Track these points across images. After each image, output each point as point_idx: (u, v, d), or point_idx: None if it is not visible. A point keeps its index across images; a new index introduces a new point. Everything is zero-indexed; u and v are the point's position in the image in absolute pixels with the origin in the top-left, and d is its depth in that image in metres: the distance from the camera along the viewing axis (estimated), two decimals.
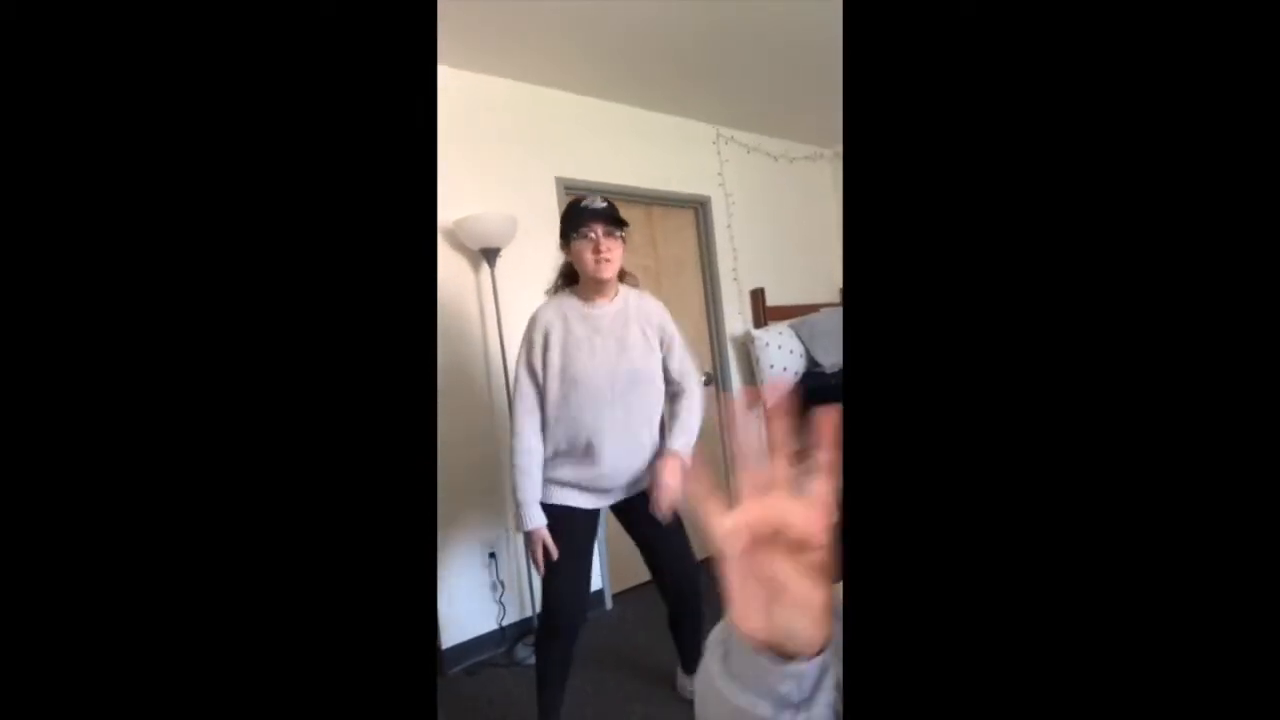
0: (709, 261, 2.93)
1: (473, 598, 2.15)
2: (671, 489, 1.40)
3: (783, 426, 0.33)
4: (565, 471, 1.41)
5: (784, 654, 0.32)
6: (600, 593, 2.43)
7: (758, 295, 3.00)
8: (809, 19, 2.12)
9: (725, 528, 0.33)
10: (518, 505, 1.39)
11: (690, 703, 1.60)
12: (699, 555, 1.57)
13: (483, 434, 2.22)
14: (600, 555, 2.33)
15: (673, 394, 1.52)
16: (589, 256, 1.33)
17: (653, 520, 1.47)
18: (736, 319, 3.00)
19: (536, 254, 2.31)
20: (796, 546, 0.32)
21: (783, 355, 2.79)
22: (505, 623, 2.19)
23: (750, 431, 0.35)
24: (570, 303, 1.42)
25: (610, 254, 1.33)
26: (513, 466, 1.40)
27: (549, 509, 1.40)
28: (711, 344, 2.93)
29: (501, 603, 2.19)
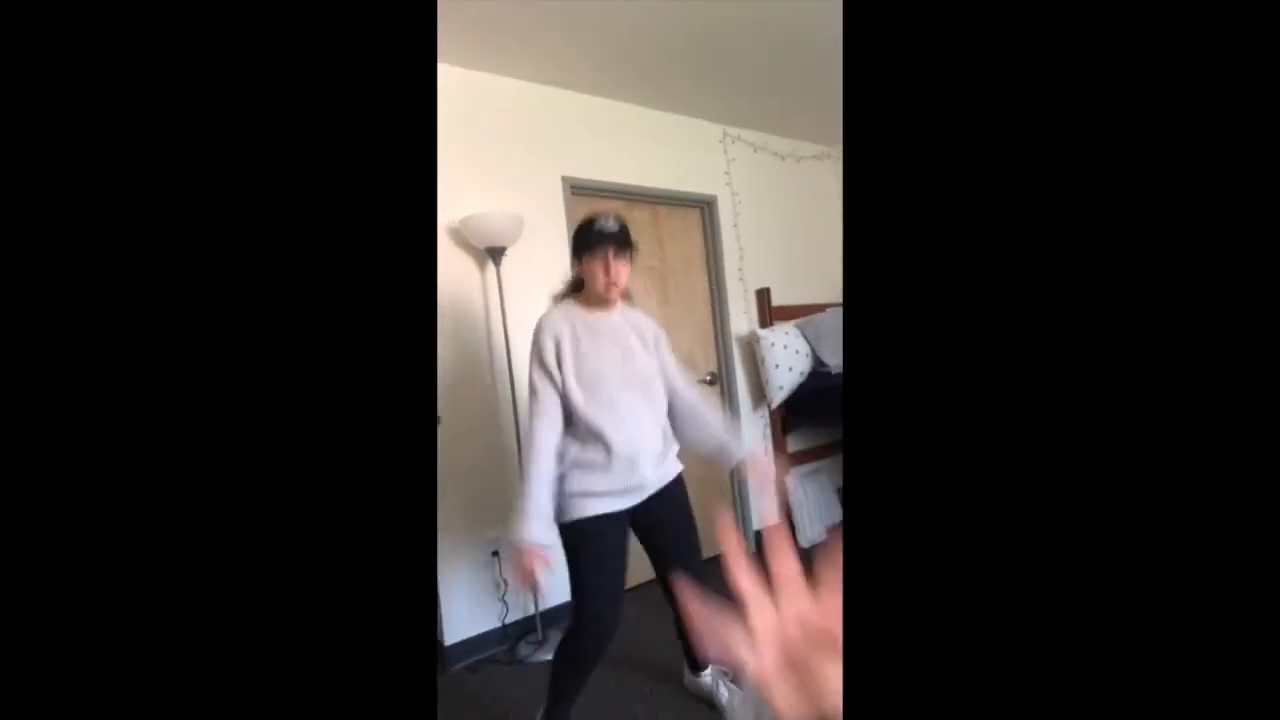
0: (715, 261, 2.93)
1: (476, 596, 2.15)
2: (770, 474, 1.49)
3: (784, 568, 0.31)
4: (590, 480, 1.40)
5: None
6: None
7: (763, 295, 2.99)
8: (816, 17, 2.12)
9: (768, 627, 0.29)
10: (520, 515, 1.33)
11: (697, 700, 1.58)
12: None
13: (487, 433, 2.22)
14: None
15: (679, 393, 1.55)
16: (600, 277, 1.41)
17: (664, 525, 1.49)
18: (742, 319, 2.99)
19: (542, 253, 2.32)
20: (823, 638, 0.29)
21: (788, 355, 2.78)
22: (508, 621, 2.19)
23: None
24: (575, 311, 1.47)
25: (619, 275, 1.42)
26: (526, 472, 1.35)
27: (578, 525, 1.40)
28: (717, 344, 2.92)
29: (504, 601, 2.20)
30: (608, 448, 1.39)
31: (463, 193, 2.19)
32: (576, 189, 2.51)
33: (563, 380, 1.40)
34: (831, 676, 0.27)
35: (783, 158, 3.28)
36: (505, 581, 2.20)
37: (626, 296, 1.53)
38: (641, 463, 1.43)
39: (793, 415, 2.95)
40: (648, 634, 2.03)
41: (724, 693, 1.65)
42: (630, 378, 1.43)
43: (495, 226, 2.06)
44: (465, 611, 2.12)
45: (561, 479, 1.40)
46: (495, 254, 2.12)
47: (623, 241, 1.42)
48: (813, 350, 2.83)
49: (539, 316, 1.47)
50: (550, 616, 2.25)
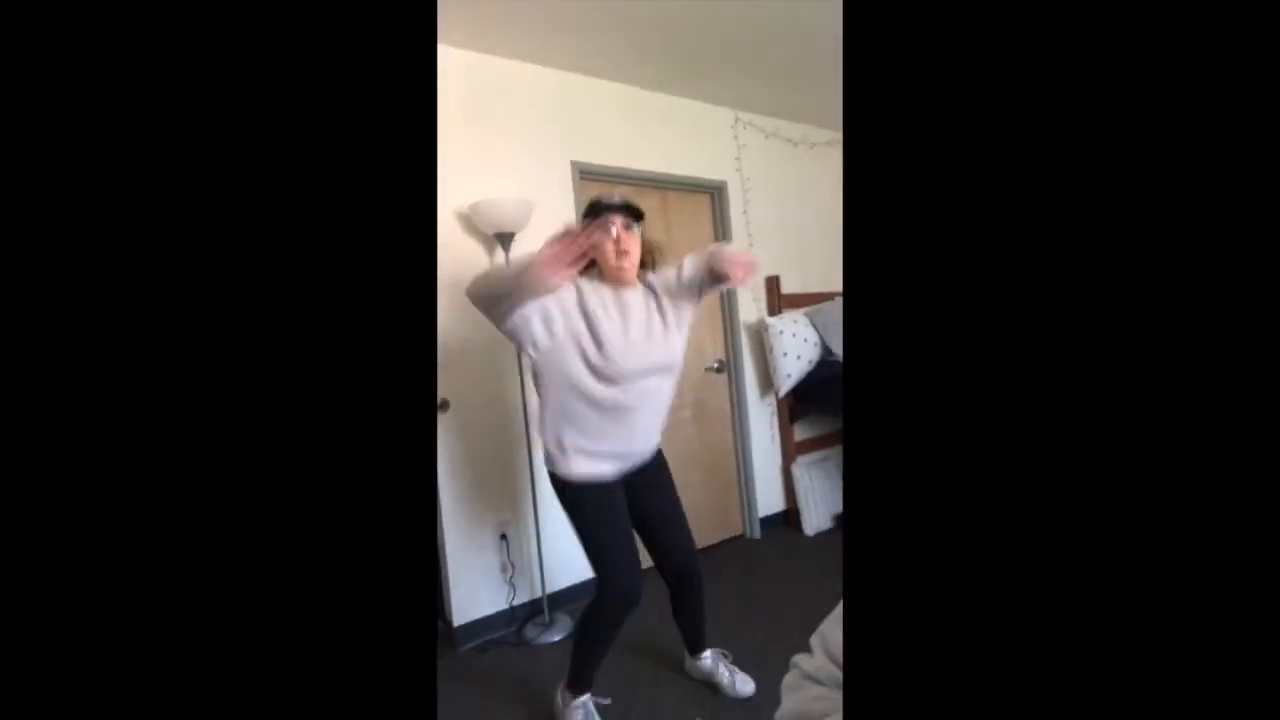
0: None
1: (484, 578, 2.18)
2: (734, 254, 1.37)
3: None
4: (587, 440, 1.40)
5: None
6: None
7: (773, 283, 2.98)
8: (828, 3, 2.08)
9: None
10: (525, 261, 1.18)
11: (698, 682, 1.61)
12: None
13: (495, 417, 2.24)
14: None
15: (677, 280, 1.50)
16: (609, 248, 1.40)
17: (654, 499, 1.51)
18: (751, 306, 2.98)
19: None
20: None
21: (797, 343, 2.77)
22: (515, 603, 2.22)
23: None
24: (597, 285, 1.45)
25: (628, 245, 1.41)
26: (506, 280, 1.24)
27: (580, 483, 1.40)
28: (725, 331, 2.92)
29: (512, 583, 2.23)
30: (608, 412, 1.39)
31: (472, 178, 2.19)
32: (586, 174, 2.49)
33: (576, 331, 1.36)
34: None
35: (794, 144, 3.24)
36: (513, 564, 2.23)
37: (640, 273, 1.50)
38: (639, 434, 1.45)
39: (800, 404, 2.95)
40: (650, 618, 2.05)
41: (724, 673, 1.67)
42: (648, 359, 1.42)
43: (504, 212, 2.05)
44: (473, 593, 2.15)
45: (562, 434, 1.40)
46: (504, 239, 2.12)
47: (630, 213, 1.42)
48: (821, 339, 2.82)
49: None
50: (557, 599, 2.28)
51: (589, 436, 1.40)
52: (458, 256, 2.17)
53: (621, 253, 1.41)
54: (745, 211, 2.99)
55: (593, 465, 1.41)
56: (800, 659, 0.63)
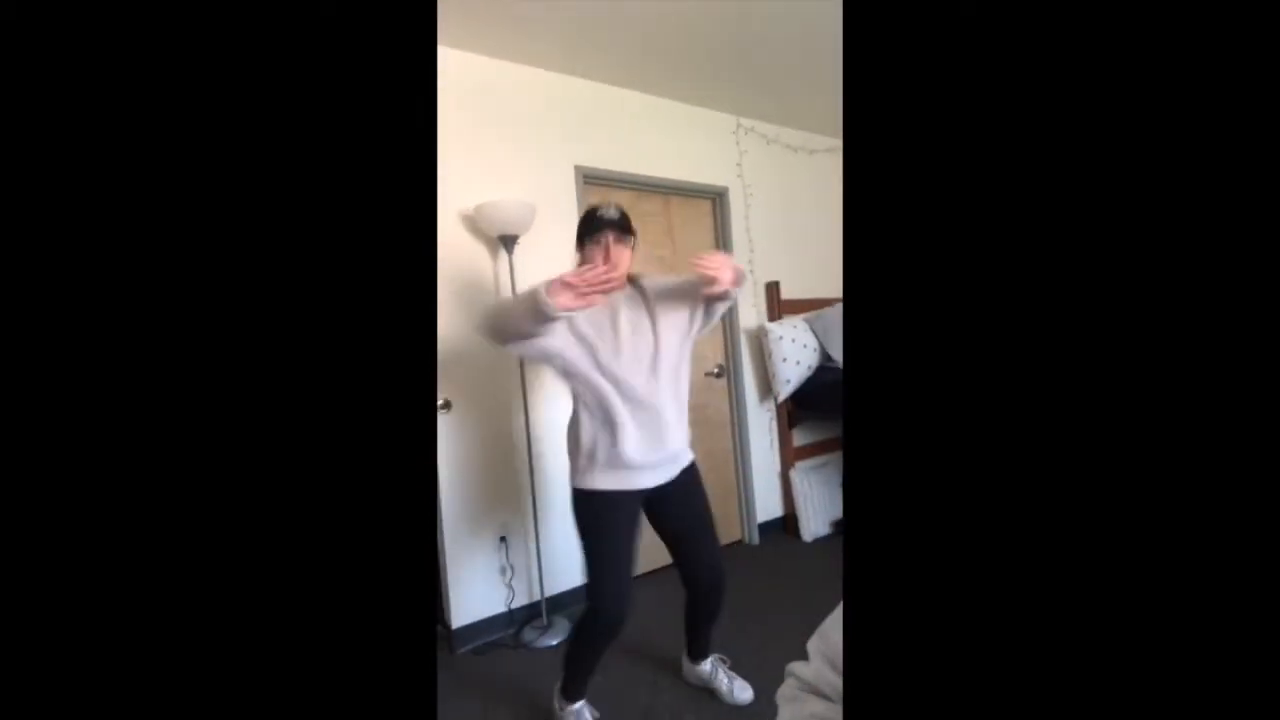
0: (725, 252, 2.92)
1: (483, 581, 2.18)
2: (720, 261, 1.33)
3: None
4: (606, 453, 1.42)
5: None
6: None
7: (773, 288, 2.98)
8: (831, 9, 2.09)
9: None
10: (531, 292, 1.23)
11: (696, 688, 1.61)
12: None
13: (496, 419, 2.24)
14: None
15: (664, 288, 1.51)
16: (599, 260, 1.42)
17: (684, 512, 1.52)
18: (751, 312, 2.98)
19: (554, 241, 2.32)
20: None
21: (796, 349, 2.78)
22: (514, 605, 2.22)
23: None
24: None
25: (618, 260, 1.43)
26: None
27: (591, 494, 1.42)
28: (725, 336, 2.92)
29: (511, 586, 2.22)
30: (621, 425, 1.40)
31: (476, 180, 2.20)
32: (589, 178, 2.50)
33: (583, 339, 1.40)
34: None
35: (795, 150, 3.25)
36: (512, 567, 2.23)
37: (630, 281, 1.53)
38: (659, 442, 1.44)
39: (799, 409, 2.95)
40: (650, 621, 2.05)
41: (722, 679, 1.67)
42: (650, 355, 1.44)
43: (508, 214, 2.06)
44: (472, 596, 2.15)
45: (596, 445, 1.43)
46: (507, 242, 2.13)
47: (623, 228, 1.45)
48: (820, 344, 2.82)
49: None
50: (555, 603, 2.28)
51: (619, 441, 1.41)
52: (461, 258, 2.18)
53: (612, 268, 1.42)
54: (746, 217, 3.00)
55: (620, 480, 1.43)
56: (797, 667, 0.62)
